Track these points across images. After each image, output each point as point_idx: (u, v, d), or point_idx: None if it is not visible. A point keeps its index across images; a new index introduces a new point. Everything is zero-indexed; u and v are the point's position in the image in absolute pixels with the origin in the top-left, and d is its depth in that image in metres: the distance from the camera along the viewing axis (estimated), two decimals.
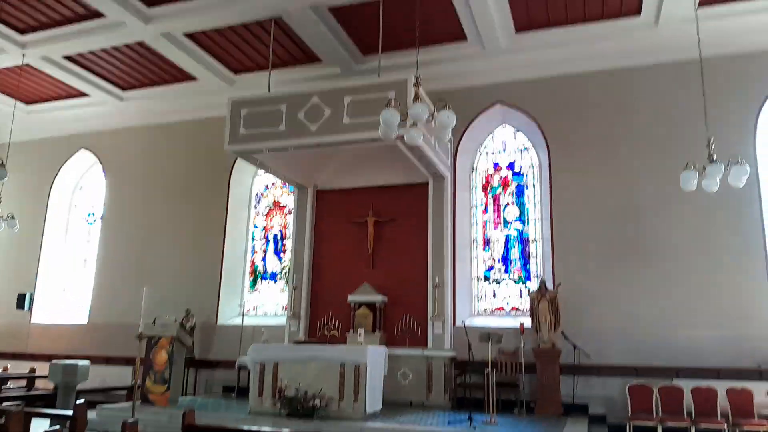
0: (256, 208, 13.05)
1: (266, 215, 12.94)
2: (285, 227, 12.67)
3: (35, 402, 9.42)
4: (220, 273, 12.15)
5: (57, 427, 6.30)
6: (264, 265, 12.66)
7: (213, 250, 12.28)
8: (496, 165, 11.40)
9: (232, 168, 12.62)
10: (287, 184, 12.08)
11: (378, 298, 10.27)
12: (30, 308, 13.50)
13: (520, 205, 11.07)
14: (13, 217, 10.56)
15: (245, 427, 5.11)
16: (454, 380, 9.67)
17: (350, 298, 10.41)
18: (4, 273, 14.07)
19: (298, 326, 10.74)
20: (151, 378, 8.80)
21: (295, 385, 7.95)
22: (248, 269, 12.68)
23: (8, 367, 12.35)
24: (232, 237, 12.50)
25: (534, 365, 9.26)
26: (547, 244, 10.41)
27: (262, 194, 13.13)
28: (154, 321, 9.42)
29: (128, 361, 11.55)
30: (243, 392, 10.00)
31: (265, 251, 12.73)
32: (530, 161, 11.18)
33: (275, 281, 12.49)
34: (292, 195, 11.99)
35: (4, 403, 8.56)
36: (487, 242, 11.09)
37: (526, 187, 11.11)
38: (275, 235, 12.75)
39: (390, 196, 10.93)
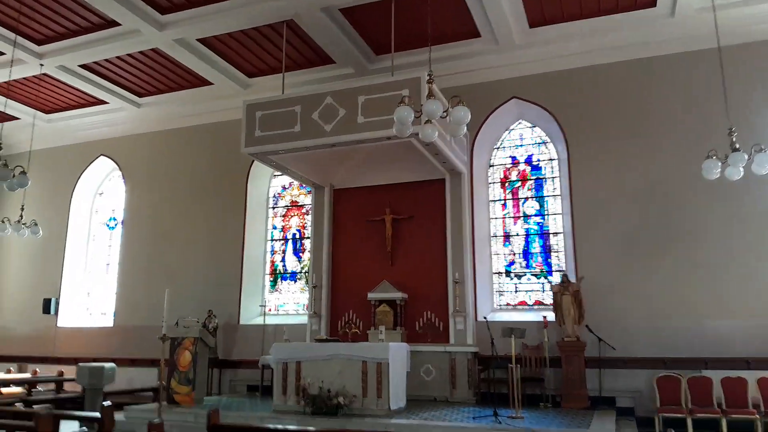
0: (274, 208, 13.12)
1: (284, 216, 13.00)
2: (303, 227, 12.72)
3: (64, 404, 9.58)
4: (240, 274, 12.25)
5: (85, 428, 6.41)
6: (284, 265, 12.73)
7: (233, 251, 12.38)
8: (513, 159, 11.31)
9: (249, 170, 12.70)
10: (304, 185, 12.13)
11: (398, 295, 10.26)
12: (56, 312, 13.73)
13: (540, 198, 10.97)
14: (36, 224, 10.71)
15: (270, 426, 5.12)
16: (477, 375, 9.62)
17: (370, 295, 10.42)
18: (30, 279, 14.33)
19: (319, 325, 10.78)
20: (176, 379, 8.89)
21: (319, 383, 7.99)
22: (268, 269, 12.76)
23: (37, 370, 12.60)
24: (251, 238, 12.58)
25: (558, 359, 9.18)
26: (568, 237, 10.30)
27: (279, 195, 13.19)
28: (177, 322, 9.52)
29: (153, 363, 11.68)
30: (267, 391, 10.08)
31: (284, 251, 12.79)
32: (548, 154, 11.08)
33: (295, 281, 12.55)
34: (310, 195, 12.05)
35: (34, 406, 8.74)
36: (507, 237, 11.02)
37: (545, 180, 11.01)
38: (294, 235, 12.81)
39: (407, 193, 10.92)
